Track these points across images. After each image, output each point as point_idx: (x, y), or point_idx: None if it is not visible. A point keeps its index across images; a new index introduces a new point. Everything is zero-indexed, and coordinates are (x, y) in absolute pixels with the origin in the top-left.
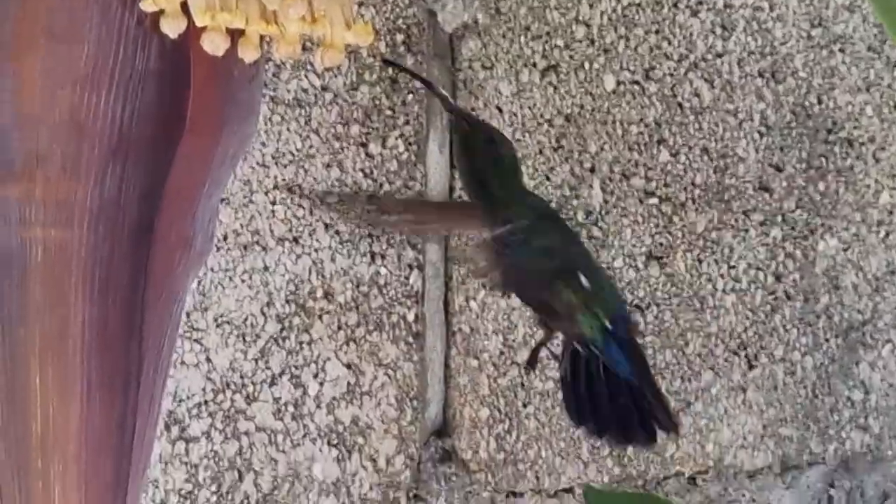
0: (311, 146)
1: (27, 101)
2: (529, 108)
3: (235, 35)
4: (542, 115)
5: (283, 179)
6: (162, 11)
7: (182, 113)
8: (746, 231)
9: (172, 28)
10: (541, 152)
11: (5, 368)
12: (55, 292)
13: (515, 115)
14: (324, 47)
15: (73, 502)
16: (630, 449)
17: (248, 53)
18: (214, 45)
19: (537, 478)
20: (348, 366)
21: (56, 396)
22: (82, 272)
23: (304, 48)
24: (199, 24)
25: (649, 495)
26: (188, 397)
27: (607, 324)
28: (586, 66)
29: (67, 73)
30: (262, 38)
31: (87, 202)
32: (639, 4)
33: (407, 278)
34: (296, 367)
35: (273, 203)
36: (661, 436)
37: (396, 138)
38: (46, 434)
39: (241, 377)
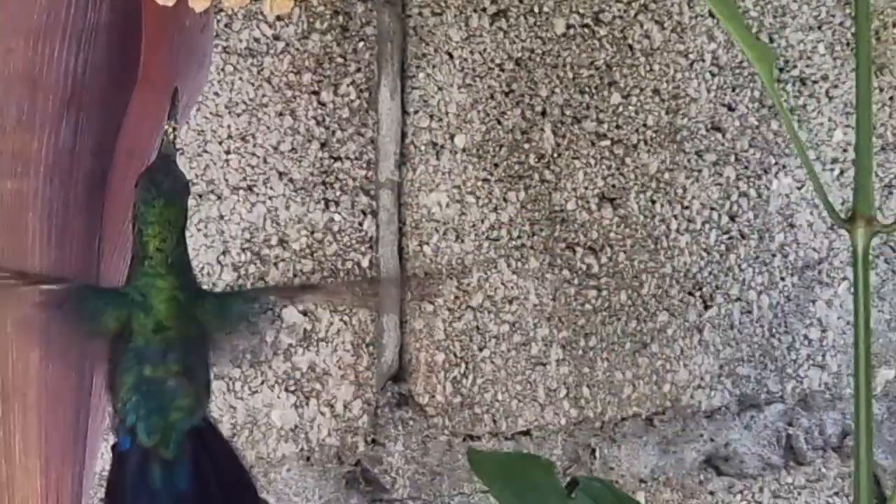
0: (263, 95)
1: None
2: (480, 53)
3: None
4: (492, 60)
5: (237, 129)
6: None
7: (134, 64)
8: (699, 171)
9: None
10: (492, 97)
11: None
12: (13, 241)
13: (466, 60)
14: None
15: (34, 450)
16: (587, 390)
17: (198, 3)
18: None
19: (494, 421)
20: (304, 313)
21: (16, 344)
22: (39, 222)
23: None
24: None
25: (531, 456)
26: None
27: None
28: (536, 9)
29: (21, 25)
30: None
31: (42, 153)
32: None
33: (361, 224)
34: (252, 315)
35: (227, 152)
36: None
37: (348, 86)
38: (6, 383)
39: None
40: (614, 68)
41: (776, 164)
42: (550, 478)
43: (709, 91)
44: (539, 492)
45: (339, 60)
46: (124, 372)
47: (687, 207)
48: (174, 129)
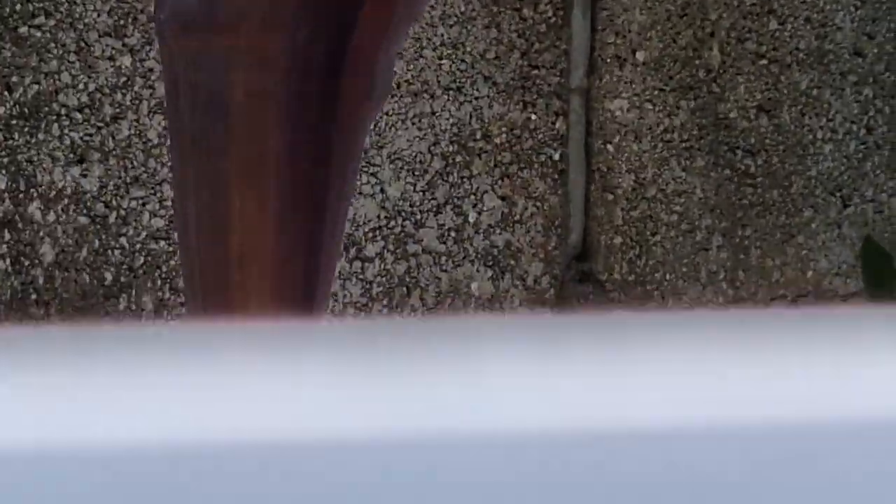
0: (472, 9)
1: None
2: None
3: None
4: None
5: (448, 37)
6: None
7: None
8: (843, 90)
9: None
10: (668, 19)
11: (211, 194)
12: (255, 127)
13: None
14: None
15: (269, 310)
16: (742, 274)
17: None
18: None
19: (663, 297)
20: (502, 198)
21: (254, 218)
22: (278, 110)
23: None
24: None
25: None
26: (364, 223)
27: None
28: None
29: None
30: None
31: (281, 51)
32: None
33: (553, 124)
34: (457, 198)
35: (440, 58)
36: None
37: (546, 4)
38: (244, 251)
39: (411, 206)
40: None
41: None
42: None
43: (853, 21)
44: None
45: None
46: None
47: (831, 120)
48: None
